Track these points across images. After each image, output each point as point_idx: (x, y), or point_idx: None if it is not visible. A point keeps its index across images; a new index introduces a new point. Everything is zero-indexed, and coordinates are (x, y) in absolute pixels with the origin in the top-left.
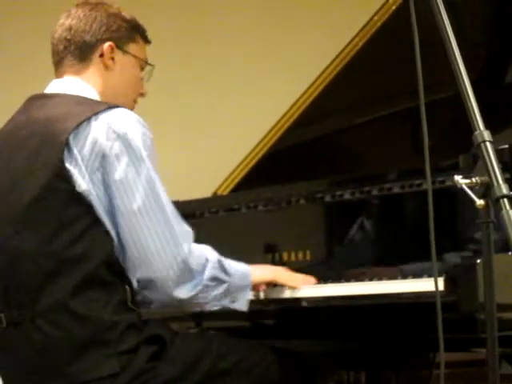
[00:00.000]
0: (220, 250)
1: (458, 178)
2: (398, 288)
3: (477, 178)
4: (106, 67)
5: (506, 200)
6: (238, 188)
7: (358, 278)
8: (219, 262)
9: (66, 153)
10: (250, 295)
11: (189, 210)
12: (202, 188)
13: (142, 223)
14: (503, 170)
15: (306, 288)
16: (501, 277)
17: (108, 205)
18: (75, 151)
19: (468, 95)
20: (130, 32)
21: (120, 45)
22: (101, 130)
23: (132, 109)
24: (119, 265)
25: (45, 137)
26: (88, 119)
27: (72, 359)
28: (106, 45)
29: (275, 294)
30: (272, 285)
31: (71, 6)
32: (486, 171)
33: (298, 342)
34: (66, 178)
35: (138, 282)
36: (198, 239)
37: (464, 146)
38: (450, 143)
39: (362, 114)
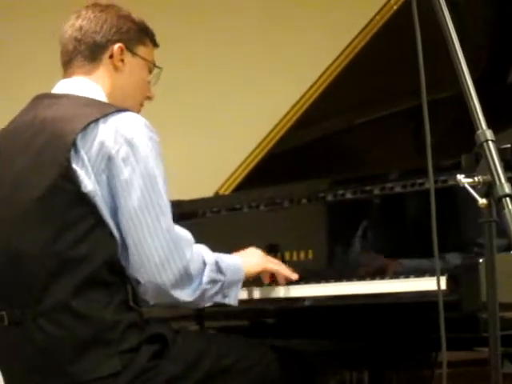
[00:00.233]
0: (222, 249)
1: (460, 177)
2: (400, 287)
3: (479, 177)
4: (116, 68)
5: (508, 199)
6: (239, 188)
7: (360, 278)
8: (216, 263)
9: (72, 153)
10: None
11: (191, 210)
12: (203, 188)
13: (145, 227)
14: (506, 169)
15: (307, 287)
16: (503, 276)
17: (112, 206)
18: (82, 152)
19: (470, 94)
20: (140, 34)
21: (130, 47)
22: (109, 133)
23: (138, 111)
24: (121, 265)
25: (51, 137)
26: (96, 121)
27: (74, 359)
28: (116, 46)
29: (276, 293)
30: (275, 281)
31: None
32: (489, 170)
33: (298, 341)
34: (71, 178)
35: (138, 282)
36: (200, 239)
37: (466, 145)
38: (453, 142)
39: (364, 113)
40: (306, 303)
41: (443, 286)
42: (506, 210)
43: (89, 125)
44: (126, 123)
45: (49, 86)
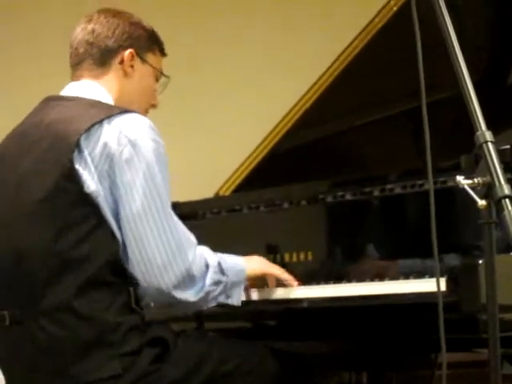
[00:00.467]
0: (222, 250)
1: (459, 178)
2: (399, 288)
3: (479, 179)
4: (125, 74)
5: (507, 200)
6: (239, 189)
7: (360, 279)
8: (219, 265)
9: (75, 153)
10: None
11: (191, 211)
12: (203, 189)
13: (147, 228)
14: (505, 170)
15: (307, 289)
16: (503, 277)
17: (114, 207)
18: (86, 152)
19: (470, 96)
20: (150, 42)
21: (140, 53)
22: (112, 134)
23: None
24: (123, 266)
25: (55, 138)
26: (100, 122)
27: (75, 359)
28: (127, 52)
29: (277, 295)
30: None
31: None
32: (488, 172)
33: (298, 343)
34: (74, 178)
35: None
36: (200, 240)
37: (466, 146)
38: (452, 144)
39: (364, 114)
40: (306, 305)
41: (443, 287)
42: (506, 212)
43: (93, 125)
44: (130, 124)
45: (49, 87)
